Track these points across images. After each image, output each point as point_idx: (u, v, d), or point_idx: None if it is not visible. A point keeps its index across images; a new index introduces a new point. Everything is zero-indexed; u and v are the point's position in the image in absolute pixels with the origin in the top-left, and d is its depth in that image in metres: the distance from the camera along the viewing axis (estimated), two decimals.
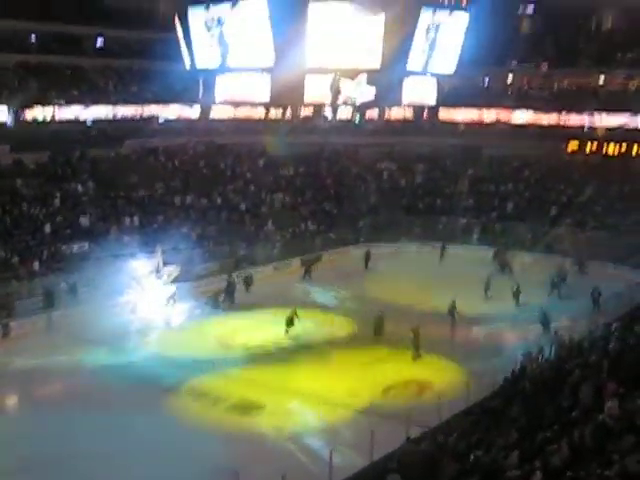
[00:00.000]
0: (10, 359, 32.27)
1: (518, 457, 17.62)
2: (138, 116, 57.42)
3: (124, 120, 56.39)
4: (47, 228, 43.25)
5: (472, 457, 18.96)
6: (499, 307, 40.03)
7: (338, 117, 64.14)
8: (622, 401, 19.20)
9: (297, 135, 60.47)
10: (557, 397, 22.08)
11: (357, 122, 65.54)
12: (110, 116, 55.60)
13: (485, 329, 37.49)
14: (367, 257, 49.76)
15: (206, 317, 39.25)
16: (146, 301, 39.22)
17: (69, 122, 53.05)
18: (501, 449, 18.69)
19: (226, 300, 40.98)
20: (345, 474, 20.94)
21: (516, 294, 40.54)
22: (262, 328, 37.42)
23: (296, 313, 36.57)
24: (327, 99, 60.74)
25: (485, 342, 35.72)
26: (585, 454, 16.76)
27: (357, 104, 61.99)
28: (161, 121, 59.11)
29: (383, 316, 35.83)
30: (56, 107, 52.44)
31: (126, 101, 56.97)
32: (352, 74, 59.89)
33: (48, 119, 51.85)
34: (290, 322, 36.33)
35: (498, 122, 65.43)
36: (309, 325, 37.62)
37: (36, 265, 39.83)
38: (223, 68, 58.99)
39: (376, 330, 35.63)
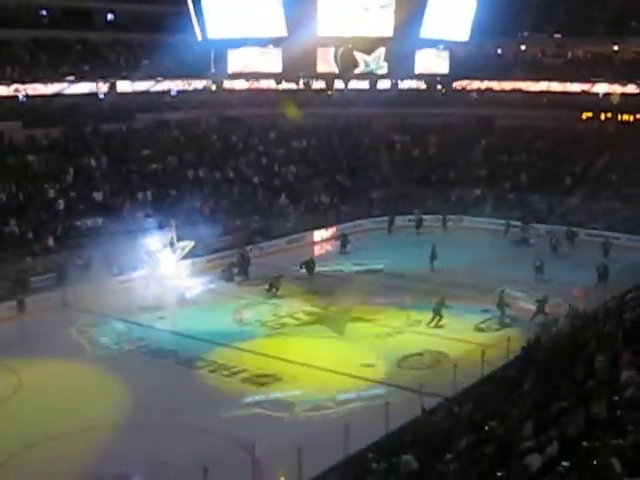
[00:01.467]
0: (24, 334, 32.33)
1: (533, 427, 17.65)
2: (150, 90, 57.26)
3: (136, 94, 56.21)
4: (60, 204, 43.30)
5: (487, 428, 19.00)
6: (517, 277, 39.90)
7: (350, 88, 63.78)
8: (638, 371, 19.19)
9: (309, 107, 60.17)
10: (572, 367, 22.07)
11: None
12: (121, 90, 55.43)
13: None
14: (344, 240, 48.01)
15: (220, 291, 39.34)
16: (160, 276, 39.28)
17: (80, 97, 52.98)
18: (516, 420, 18.70)
19: (240, 274, 41.04)
20: (360, 445, 20.99)
21: (540, 268, 40.34)
22: (275, 301, 37.56)
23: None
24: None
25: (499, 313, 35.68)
26: (600, 424, 16.77)
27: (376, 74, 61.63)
28: (173, 94, 58.94)
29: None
30: (67, 82, 52.34)
31: (137, 75, 56.78)
32: (367, 45, 59.59)
33: (60, 94, 51.77)
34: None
35: (511, 92, 64.99)
36: (321, 298, 37.81)
37: (50, 241, 39.93)
38: (234, 39, 58.75)
39: None
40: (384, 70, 62.10)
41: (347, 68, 59.81)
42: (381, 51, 59.79)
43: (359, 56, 59.78)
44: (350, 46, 57.65)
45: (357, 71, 60.63)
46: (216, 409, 25.43)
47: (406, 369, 29.05)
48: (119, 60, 57.55)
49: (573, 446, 15.99)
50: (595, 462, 14.49)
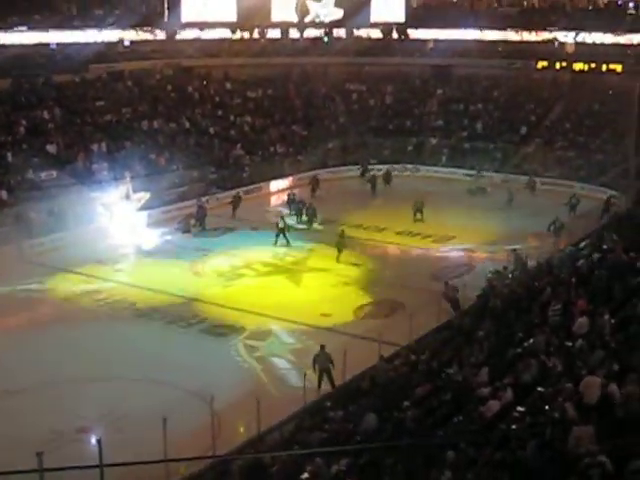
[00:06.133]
0: None
1: (488, 374, 17.91)
2: (102, 40, 56.34)
3: (88, 44, 55.27)
4: (9, 157, 42.47)
5: (443, 375, 19.26)
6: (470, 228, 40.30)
7: (305, 37, 63.70)
8: (591, 317, 19.51)
9: (264, 56, 59.78)
10: (527, 314, 22.38)
11: (326, 41, 64.87)
12: (74, 40, 54.47)
13: (455, 248, 37.73)
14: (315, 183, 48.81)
15: (177, 242, 39.21)
16: (116, 228, 39.08)
17: (31, 47, 52.04)
18: (472, 367, 18.96)
19: (197, 225, 40.93)
20: (319, 394, 21.19)
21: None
22: (233, 252, 37.50)
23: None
24: (294, 19, 60.54)
25: (455, 261, 36.03)
26: (554, 370, 17.05)
27: (324, 22, 61.83)
28: (126, 44, 58.12)
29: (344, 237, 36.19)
30: (18, 32, 51.33)
31: (90, 25, 55.82)
32: None
33: (10, 44, 50.77)
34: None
35: (467, 41, 64.95)
36: (279, 249, 37.86)
37: (4, 194, 39.39)
38: None
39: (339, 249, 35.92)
40: (339, 16, 62.31)
41: (302, 16, 60.06)
42: None
43: (310, 4, 60.00)
44: None
45: (307, 19, 61.07)
46: (174, 360, 25.44)
47: (363, 318, 29.22)
48: (70, 9, 56.54)
49: (528, 392, 16.27)
50: (549, 407, 14.76)
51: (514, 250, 32.26)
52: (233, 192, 45.02)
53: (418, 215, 41.57)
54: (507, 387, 16.58)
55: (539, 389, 16.05)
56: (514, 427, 14.23)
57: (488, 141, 54.82)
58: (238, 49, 61.51)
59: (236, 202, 43.80)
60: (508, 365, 18.50)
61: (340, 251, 35.76)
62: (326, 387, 22.39)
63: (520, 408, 15.24)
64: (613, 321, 19.22)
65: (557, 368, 17.08)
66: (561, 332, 19.49)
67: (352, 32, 65.82)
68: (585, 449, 12.45)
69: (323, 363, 23.18)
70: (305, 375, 21.06)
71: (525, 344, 19.39)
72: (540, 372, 17.24)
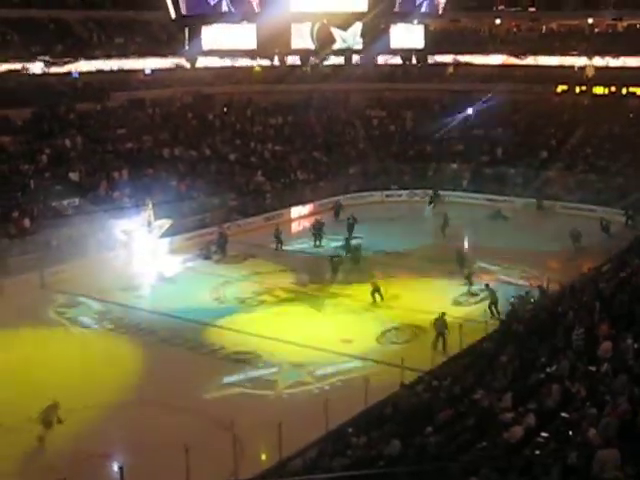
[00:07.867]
0: (3, 316, 32.07)
1: (512, 399, 17.78)
2: (124, 68, 56.77)
3: (109, 72, 55.70)
4: (32, 184, 42.73)
5: (466, 401, 19.13)
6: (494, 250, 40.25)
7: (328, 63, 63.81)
8: (614, 341, 19.38)
9: (285, 83, 60.01)
10: (551, 339, 22.23)
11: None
12: (95, 69, 54.89)
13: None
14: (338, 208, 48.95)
15: (198, 269, 39.27)
16: (138, 255, 39.21)
17: (54, 76, 52.45)
18: (495, 392, 18.84)
19: (218, 252, 40.99)
20: (341, 421, 21.09)
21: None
22: (254, 278, 37.53)
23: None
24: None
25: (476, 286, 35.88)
26: (578, 395, 16.92)
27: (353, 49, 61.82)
28: (147, 72, 58.54)
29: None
30: (40, 62, 51.75)
31: (111, 53, 56.26)
32: (342, 20, 59.61)
33: (32, 73, 51.20)
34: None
35: (486, 66, 64.94)
36: (298, 275, 37.93)
37: (27, 222, 39.62)
38: (208, 16, 58.43)
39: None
40: (359, 46, 62.39)
41: (323, 44, 59.94)
42: (357, 27, 60.17)
43: (335, 32, 59.99)
44: (326, 22, 57.68)
45: (334, 47, 61.08)
46: (195, 387, 25.45)
47: (385, 344, 29.12)
48: (92, 38, 57.01)
49: (552, 417, 16.15)
50: (572, 433, 14.64)
51: (487, 285, 32.59)
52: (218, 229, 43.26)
53: (579, 243, 40.48)
54: (530, 412, 16.46)
55: (563, 414, 15.93)
56: (538, 452, 14.11)
57: (509, 166, 54.72)
58: (259, 76, 61.80)
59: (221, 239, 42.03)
60: (531, 390, 18.37)
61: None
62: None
63: (544, 433, 15.12)
64: (636, 346, 19.07)
65: (581, 393, 16.95)
66: (584, 357, 19.36)
67: (373, 59, 65.90)
68: (611, 474, 12.32)
69: (440, 327, 27.87)
70: (327, 401, 20.96)
71: (548, 369, 19.26)
72: (563, 397, 17.11)
